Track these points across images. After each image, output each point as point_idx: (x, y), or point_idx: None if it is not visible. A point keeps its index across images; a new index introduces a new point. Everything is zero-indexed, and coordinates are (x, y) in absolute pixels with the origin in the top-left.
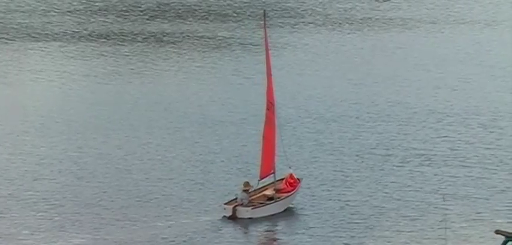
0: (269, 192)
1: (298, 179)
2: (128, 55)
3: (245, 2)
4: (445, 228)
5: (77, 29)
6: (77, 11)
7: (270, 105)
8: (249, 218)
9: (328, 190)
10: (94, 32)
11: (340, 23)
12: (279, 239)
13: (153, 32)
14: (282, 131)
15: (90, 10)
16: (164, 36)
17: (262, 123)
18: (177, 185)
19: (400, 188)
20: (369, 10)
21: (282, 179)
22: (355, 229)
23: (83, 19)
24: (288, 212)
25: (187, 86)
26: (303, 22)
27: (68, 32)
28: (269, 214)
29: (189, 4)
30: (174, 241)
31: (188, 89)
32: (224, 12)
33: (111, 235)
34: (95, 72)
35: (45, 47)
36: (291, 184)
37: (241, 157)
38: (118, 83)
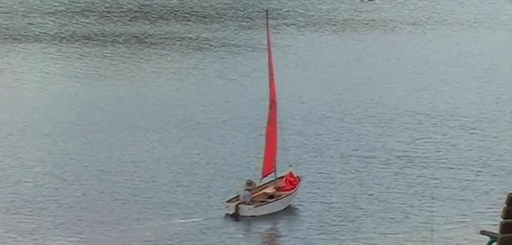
0: (270, 190)
1: (298, 177)
2: (111, 56)
3: (237, 3)
4: (431, 230)
5: (59, 30)
6: (59, 12)
7: (272, 105)
8: (252, 216)
9: (315, 191)
10: (76, 34)
11: (320, 25)
12: (281, 236)
13: (135, 33)
14: (282, 130)
15: (72, 11)
16: (146, 37)
17: (263, 122)
18: (178, 184)
19: (385, 190)
20: (352, 11)
21: (282, 177)
22: (338, 231)
23: (65, 20)
24: (289, 210)
25: (182, 85)
26: (284, 23)
27: (49, 33)
28: (271, 211)
29: (171, 5)
30: (177, 239)
31: (183, 89)
32: (207, 13)
33: (111, 235)
34: (77, 73)
35: (26, 49)
36: (291, 182)
37: (243, 155)
38: (101, 84)
